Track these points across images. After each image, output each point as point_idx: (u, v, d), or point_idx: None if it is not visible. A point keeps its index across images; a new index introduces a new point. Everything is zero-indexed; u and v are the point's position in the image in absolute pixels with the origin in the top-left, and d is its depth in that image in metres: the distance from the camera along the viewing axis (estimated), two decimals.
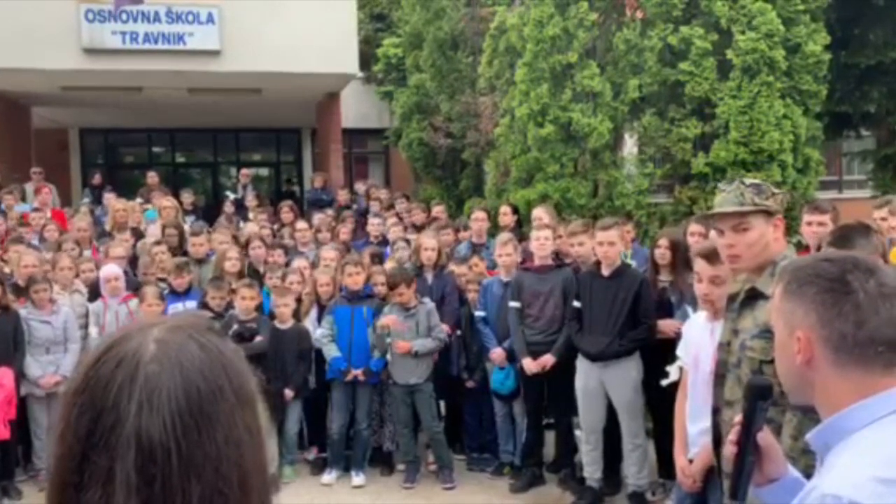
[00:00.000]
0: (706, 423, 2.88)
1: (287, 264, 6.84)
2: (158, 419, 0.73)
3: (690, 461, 3.38)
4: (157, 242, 7.26)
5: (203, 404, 0.76)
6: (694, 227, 5.43)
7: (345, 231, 8.06)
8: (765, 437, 1.48)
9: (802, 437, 2.23)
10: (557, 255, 5.88)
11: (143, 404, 0.74)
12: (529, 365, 5.36)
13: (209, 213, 11.60)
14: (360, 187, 11.81)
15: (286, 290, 6.05)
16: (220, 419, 0.77)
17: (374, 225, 8.08)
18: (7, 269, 6.59)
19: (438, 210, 8.63)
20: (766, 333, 2.52)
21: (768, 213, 2.63)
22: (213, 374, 0.78)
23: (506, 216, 7.32)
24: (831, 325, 1.27)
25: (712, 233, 3.76)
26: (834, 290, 1.28)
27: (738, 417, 1.50)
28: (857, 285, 1.26)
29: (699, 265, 3.46)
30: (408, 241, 6.99)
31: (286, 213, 9.03)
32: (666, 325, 4.99)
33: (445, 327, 5.78)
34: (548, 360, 5.33)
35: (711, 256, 3.26)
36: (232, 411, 0.78)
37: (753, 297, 2.61)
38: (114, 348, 0.78)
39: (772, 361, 2.49)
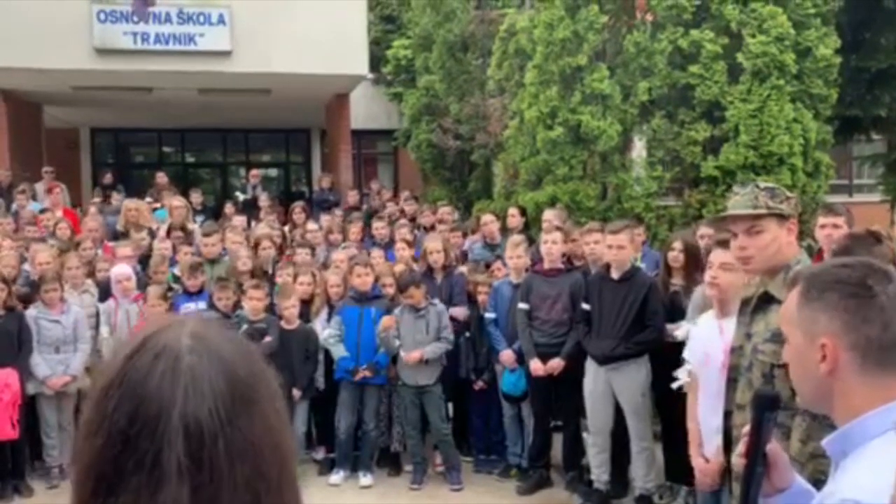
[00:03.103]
0: (720, 419, 2.89)
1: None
2: (204, 405, 0.76)
3: (707, 460, 3.38)
4: (184, 242, 7.37)
5: (243, 392, 0.79)
6: (704, 230, 5.43)
7: (355, 231, 8.07)
8: (773, 448, 1.47)
9: (811, 441, 2.23)
10: (570, 258, 5.88)
11: (188, 391, 0.77)
12: (537, 367, 5.37)
13: (217, 212, 11.65)
14: (373, 187, 11.83)
15: (290, 291, 6.08)
16: (259, 406, 0.80)
17: (378, 229, 8.06)
18: (26, 266, 6.63)
19: (444, 211, 8.61)
20: (778, 337, 2.52)
21: (782, 217, 2.63)
22: (249, 364, 0.82)
23: (513, 218, 7.33)
24: (858, 329, 1.26)
25: None
26: (858, 295, 1.27)
27: (747, 428, 1.50)
28: (879, 289, 1.26)
29: (714, 253, 3.52)
30: (408, 243, 6.99)
31: (298, 213, 9.04)
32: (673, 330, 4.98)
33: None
34: (557, 364, 5.33)
35: (726, 243, 3.29)
36: (266, 401, 0.82)
37: (766, 301, 2.61)
38: (148, 342, 0.81)
39: (783, 366, 2.50)
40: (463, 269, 6.51)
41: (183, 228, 8.03)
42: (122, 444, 0.76)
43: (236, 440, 0.77)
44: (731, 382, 2.75)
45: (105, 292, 6.32)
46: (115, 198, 10.79)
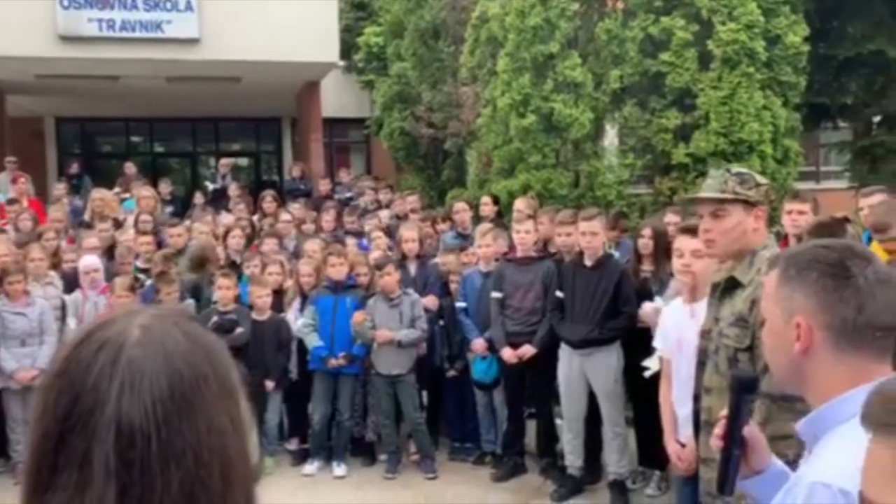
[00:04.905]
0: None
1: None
2: (139, 403, 0.72)
3: (683, 445, 3.41)
4: (143, 232, 7.19)
5: (185, 391, 0.75)
6: (670, 217, 5.48)
7: (328, 220, 8.00)
8: (750, 429, 1.47)
9: (770, 423, 2.26)
10: (546, 243, 5.88)
11: (124, 387, 0.73)
12: (509, 355, 5.38)
13: (186, 203, 11.48)
14: (343, 177, 11.74)
15: (263, 281, 6.01)
16: (203, 407, 0.76)
17: (350, 223, 7.98)
18: None
19: (412, 200, 8.54)
20: (742, 322, 2.56)
21: (748, 203, 2.65)
22: (197, 361, 0.77)
23: (486, 206, 7.32)
24: (833, 309, 1.26)
25: None
26: (835, 275, 1.27)
27: (724, 411, 1.49)
28: (857, 270, 1.26)
29: (680, 241, 3.54)
30: (383, 231, 6.95)
31: (268, 202, 8.93)
32: (646, 314, 5.01)
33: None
34: (527, 350, 5.35)
35: (693, 231, 3.31)
36: (215, 400, 0.77)
37: (732, 286, 2.65)
38: (96, 332, 0.77)
39: (746, 349, 2.54)
40: (437, 259, 6.48)
41: (153, 215, 7.89)
42: (58, 438, 0.73)
43: (173, 442, 0.73)
44: (701, 366, 2.78)
45: (70, 284, 6.20)
46: (59, 187, 10.44)
